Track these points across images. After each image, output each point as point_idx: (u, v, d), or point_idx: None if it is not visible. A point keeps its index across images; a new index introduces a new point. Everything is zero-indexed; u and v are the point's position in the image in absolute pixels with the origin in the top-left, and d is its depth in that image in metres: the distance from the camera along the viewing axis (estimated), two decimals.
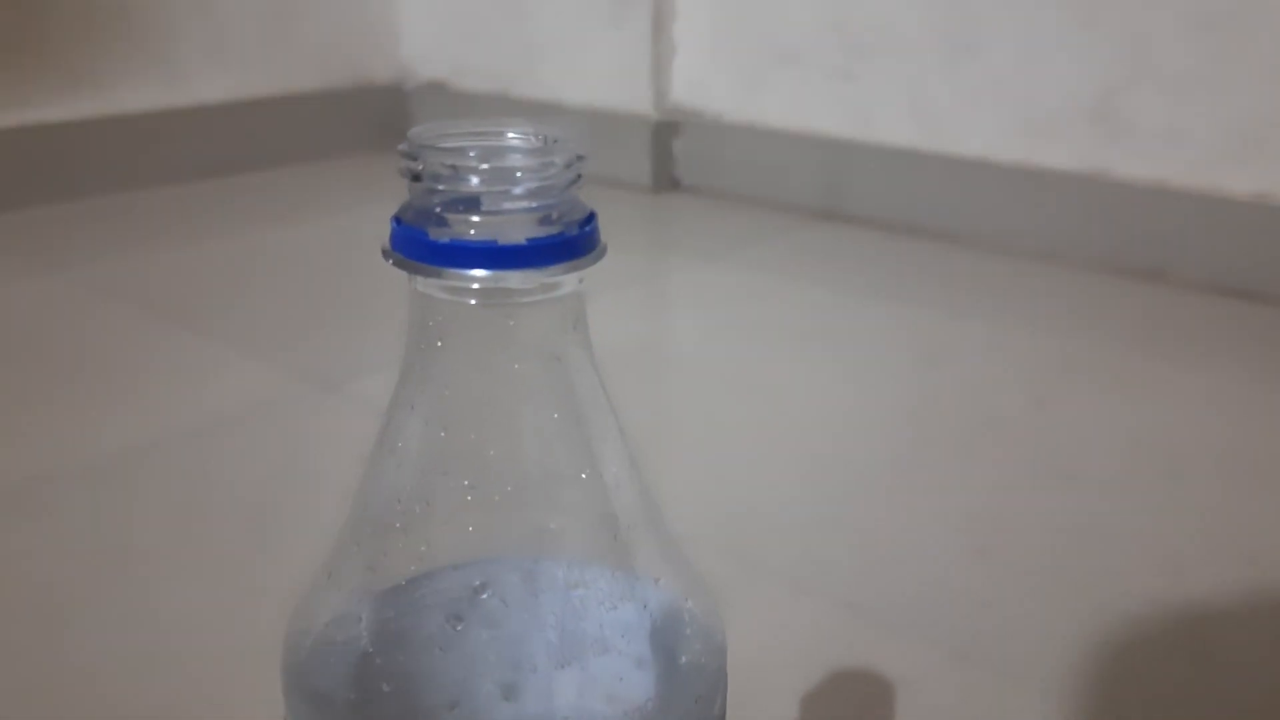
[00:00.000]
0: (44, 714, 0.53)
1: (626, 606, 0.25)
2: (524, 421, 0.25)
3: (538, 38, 1.69)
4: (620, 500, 0.25)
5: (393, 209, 0.23)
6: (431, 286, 0.23)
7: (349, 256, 1.26)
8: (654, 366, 1.02)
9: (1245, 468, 0.81)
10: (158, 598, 0.62)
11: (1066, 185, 1.29)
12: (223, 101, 1.61)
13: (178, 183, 1.57)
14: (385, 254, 0.23)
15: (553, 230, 0.23)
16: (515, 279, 0.23)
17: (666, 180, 1.62)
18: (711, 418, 0.90)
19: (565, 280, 0.24)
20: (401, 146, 0.23)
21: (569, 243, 0.23)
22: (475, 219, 0.22)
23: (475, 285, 0.23)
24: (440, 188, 0.23)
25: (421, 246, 0.23)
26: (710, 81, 1.57)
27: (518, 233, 0.23)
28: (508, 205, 0.23)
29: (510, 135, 0.24)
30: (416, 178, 0.23)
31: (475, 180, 0.22)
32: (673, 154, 1.62)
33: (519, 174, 0.23)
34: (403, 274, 0.23)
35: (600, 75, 1.62)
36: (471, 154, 0.23)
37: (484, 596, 0.25)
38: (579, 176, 0.23)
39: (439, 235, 0.22)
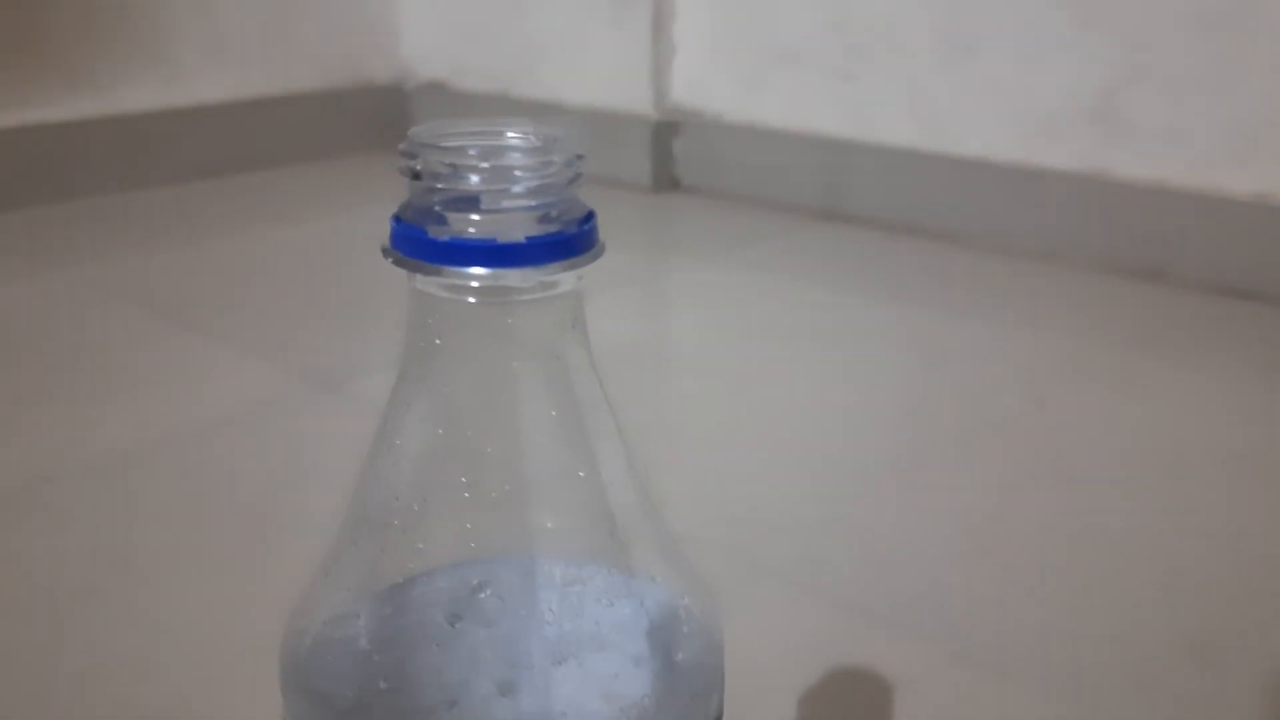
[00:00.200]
0: (44, 714, 0.53)
1: (624, 604, 0.25)
2: (522, 420, 0.25)
3: (538, 38, 1.69)
4: (618, 499, 0.26)
5: (392, 209, 0.24)
6: (431, 285, 0.23)
7: (349, 256, 1.26)
8: (653, 366, 1.02)
9: (1245, 467, 0.81)
10: (158, 598, 0.62)
11: (1066, 185, 1.29)
12: (222, 101, 1.61)
13: (178, 183, 1.57)
14: (385, 252, 0.23)
15: (552, 229, 0.23)
16: (514, 277, 0.23)
17: (666, 180, 1.62)
18: (711, 417, 0.90)
19: (564, 278, 0.24)
20: (402, 145, 0.23)
21: (568, 241, 0.23)
22: (475, 217, 0.22)
23: (474, 283, 0.23)
24: (440, 186, 0.23)
25: (421, 245, 0.23)
26: (710, 81, 1.57)
27: (517, 231, 0.23)
28: (507, 204, 0.23)
29: (510, 134, 0.24)
30: (416, 176, 0.23)
31: (475, 179, 0.22)
32: (673, 154, 1.62)
33: (518, 172, 0.23)
34: (402, 273, 0.23)
35: (600, 75, 1.62)
36: (471, 153, 0.23)
37: (482, 594, 0.25)
38: (578, 175, 0.24)
39: (439, 233, 0.23)
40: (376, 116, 1.77)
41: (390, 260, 0.23)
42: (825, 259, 1.33)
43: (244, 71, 1.64)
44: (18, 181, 1.42)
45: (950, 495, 0.76)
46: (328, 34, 1.74)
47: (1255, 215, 1.17)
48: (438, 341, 0.24)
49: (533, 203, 0.23)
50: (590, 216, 0.24)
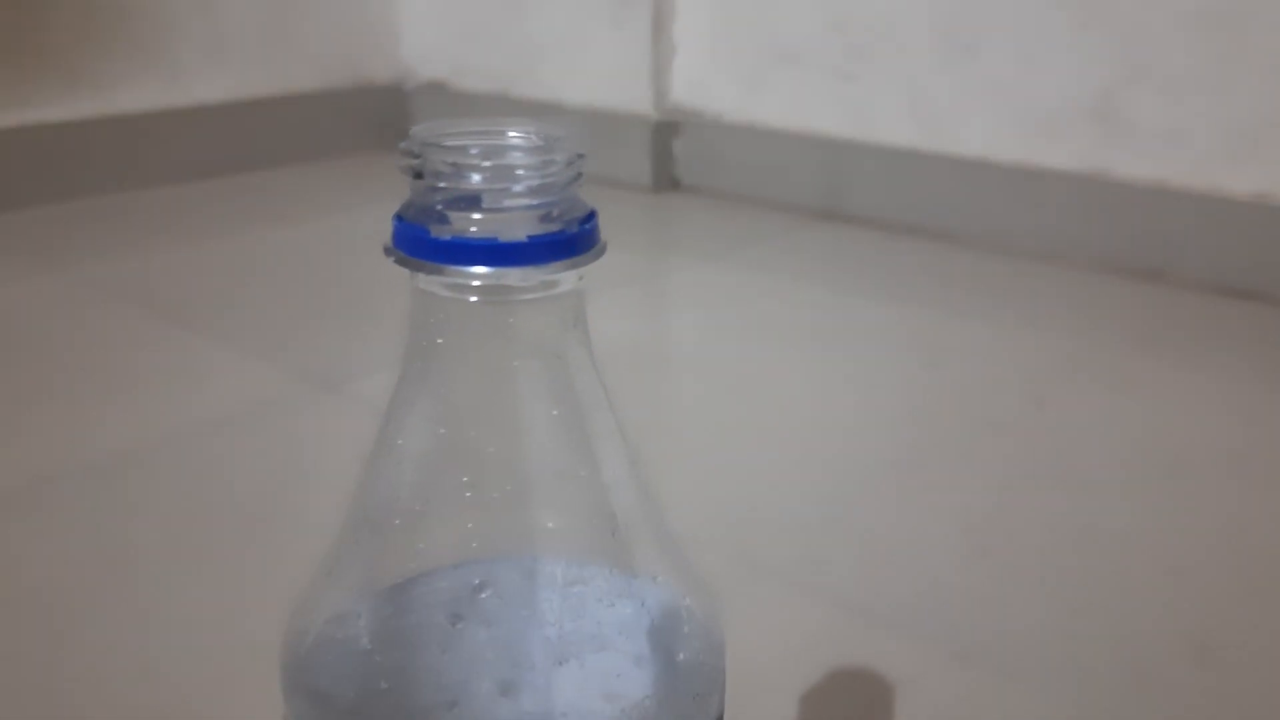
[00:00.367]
0: (44, 714, 0.53)
1: (625, 604, 0.25)
2: (523, 419, 0.25)
3: (538, 38, 1.69)
4: (619, 498, 0.26)
5: (393, 208, 0.24)
6: (432, 284, 0.23)
7: (349, 256, 1.26)
8: (653, 366, 1.02)
9: (1246, 467, 0.81)
10: (158, 598, 0.62)
11: (1066, 185, 1.29)
12: (222, 101, 1.61)
13: (178, 183, 1.57)
14: (387, 251, 0.23)
15: (553, 228, 0.23)
16: (516, 276, 0.23)
17: (666, 180, 1.62)
18: (711, 417, 0.90)
19: (565, 278, 0.24)
20: (403, 144, 0.23)
21: (569, 240, 0.23)
22: (476, 216, 0.22)
23: (476, 282, 0.23)
24: (442, 185, 0.23)
25: (423, 244, 0.23)
26: (710, 81, 1.57)
27: (518, 230, 0.23)
28: (509, 203, 0.23)
29: (511, 134, 0.24)
30: (418, 175, 0.23)
31: (476, 178, 0.22)
32: (673, 154, 1.62)
33: (520, 172, 0.23)
34: (403, 273, 0.23)
35: (600, 75, 1.62)
36: (473, 152, 0.23)
37: (483, 595, 0.25)
38: (579, 174, 0.24)
39: (440, 232, 0.23)
40: (376, 116, 1.77)
41: (392, 259, 0.23)
42: (825, 259, 1.33)
43: (244, 71, 1.64)
44: (18, 181, 1.41)
45: (950, 495, 0.76)
46: (328, 34, 1.74)
47: (1255, 215, 1.17)
48: (439, 341, 0.24)
49: (534, 202, 0.23)
50: (591, 216, 0.24)
